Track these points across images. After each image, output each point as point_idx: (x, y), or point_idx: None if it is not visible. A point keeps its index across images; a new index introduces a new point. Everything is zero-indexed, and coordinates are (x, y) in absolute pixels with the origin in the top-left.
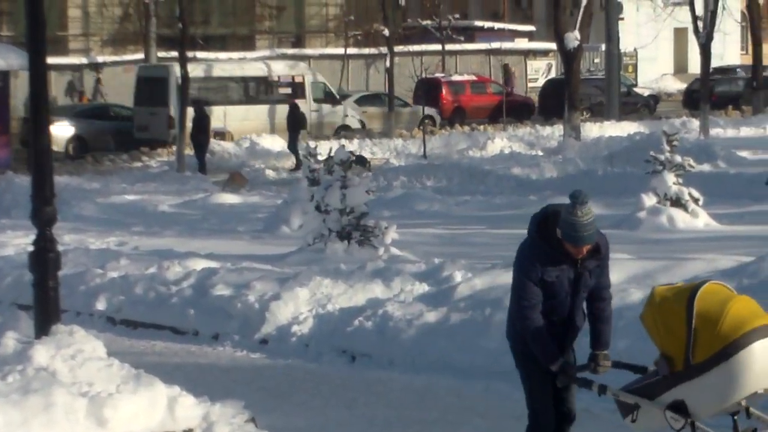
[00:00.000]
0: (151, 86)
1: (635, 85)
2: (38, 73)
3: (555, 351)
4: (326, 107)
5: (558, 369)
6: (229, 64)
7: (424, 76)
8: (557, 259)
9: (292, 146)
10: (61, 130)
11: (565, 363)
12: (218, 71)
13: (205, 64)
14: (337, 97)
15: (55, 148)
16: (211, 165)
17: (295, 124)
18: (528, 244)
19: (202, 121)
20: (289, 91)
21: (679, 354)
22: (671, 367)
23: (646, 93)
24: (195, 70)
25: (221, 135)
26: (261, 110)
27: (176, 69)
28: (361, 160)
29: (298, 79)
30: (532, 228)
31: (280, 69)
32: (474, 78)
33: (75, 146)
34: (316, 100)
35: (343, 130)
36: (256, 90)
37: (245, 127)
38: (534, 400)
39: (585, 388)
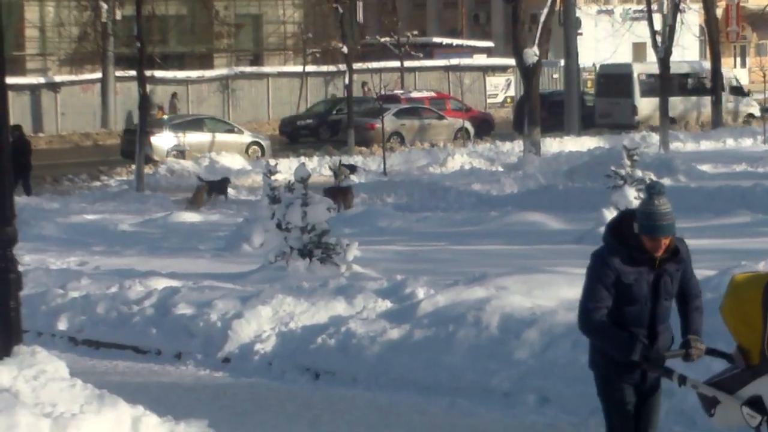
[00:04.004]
0: (613, 81)
1: None
2: None
3: (629, 339)
4: (738, 98)
5: (641, 358)
6: (677, 63)
7: (383, 92)
8: (635, 258)
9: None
10: (163, 141)
11: (646, 348)
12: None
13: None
14: (745, 90)
15: (156, 157)
16: (170, 184)
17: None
18: (603, 248)
19: (22, 145)
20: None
21: (756, 346)
22: (748, 360)
23: None
24: (650, 68)
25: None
26: (700, 100)
27: (637, 66)
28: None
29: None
30: (606, 233)
31: (707, 66)
32: (433, 94)
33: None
34: (731, 93)
35: (749, 117)
36: (694, 84)
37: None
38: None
39: (666, 378)
